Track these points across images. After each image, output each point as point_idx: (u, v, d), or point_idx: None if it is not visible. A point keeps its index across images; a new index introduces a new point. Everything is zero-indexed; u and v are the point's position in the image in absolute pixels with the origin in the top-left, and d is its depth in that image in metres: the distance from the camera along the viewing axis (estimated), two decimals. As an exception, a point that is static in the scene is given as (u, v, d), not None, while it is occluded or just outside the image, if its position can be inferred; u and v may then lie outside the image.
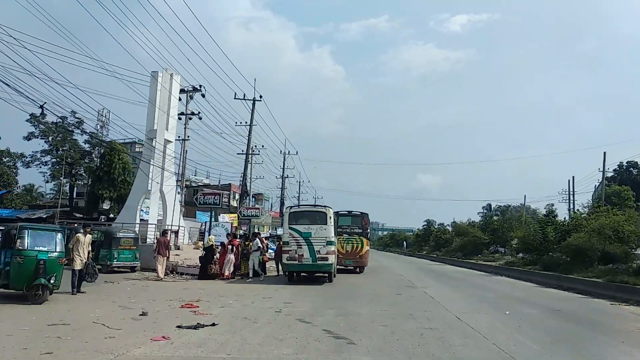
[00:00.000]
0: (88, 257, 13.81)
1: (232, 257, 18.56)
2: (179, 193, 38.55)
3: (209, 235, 19.10)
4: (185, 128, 39.60)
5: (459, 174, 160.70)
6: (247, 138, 42.25)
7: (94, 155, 40.27)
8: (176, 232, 24.41)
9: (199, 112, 39.55)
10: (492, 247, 39.58)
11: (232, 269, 18.62)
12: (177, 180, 28.05)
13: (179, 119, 40.29)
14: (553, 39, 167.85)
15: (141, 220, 26.83)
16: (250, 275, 18.40)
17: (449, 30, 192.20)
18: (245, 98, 40.55)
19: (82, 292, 13.30)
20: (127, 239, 20.68)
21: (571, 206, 51.53)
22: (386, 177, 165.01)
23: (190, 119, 39.87)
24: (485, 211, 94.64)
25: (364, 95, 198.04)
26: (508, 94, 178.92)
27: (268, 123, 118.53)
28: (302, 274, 18.45)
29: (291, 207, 18.84)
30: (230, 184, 57.93)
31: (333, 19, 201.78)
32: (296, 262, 17.30)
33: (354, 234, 23.60)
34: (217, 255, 19.33)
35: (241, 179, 44.68)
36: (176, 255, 22.32)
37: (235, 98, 40.14)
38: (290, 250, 17.36)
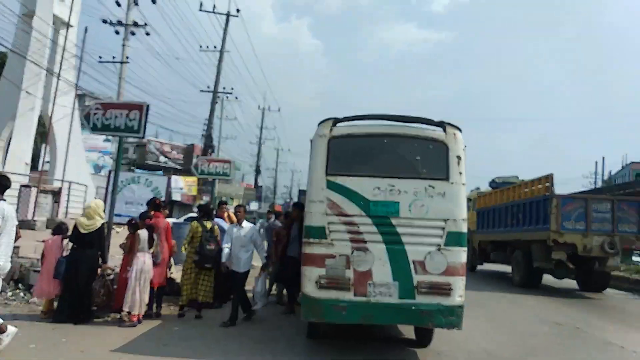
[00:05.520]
0: None
1: (145, 259, 6.44)
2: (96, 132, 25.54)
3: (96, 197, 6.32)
4: (123, 46, 27.16)
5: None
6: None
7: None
8: (56, 193, 11.77)
9: (145, 24, 27.41)
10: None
11: (145, 297, 6.48)
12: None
13: (117, 32, 27.88)
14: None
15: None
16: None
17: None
18: (216, 11, 29.51)
19: None
20: None
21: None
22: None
23: (133, 33, 27.57)
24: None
25: (342, 72, 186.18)
26: (485, 73, 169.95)
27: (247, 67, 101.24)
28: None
29: (336, 119, 5.65)
30: (193, 145, 46.57)
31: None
32: (347, 292, 5.21)
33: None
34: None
35: (205, 127, 32.15)
36: (38, 242, 9.94)
37: (201, 10, 29.40)
38: (333, 257, 5.27)
